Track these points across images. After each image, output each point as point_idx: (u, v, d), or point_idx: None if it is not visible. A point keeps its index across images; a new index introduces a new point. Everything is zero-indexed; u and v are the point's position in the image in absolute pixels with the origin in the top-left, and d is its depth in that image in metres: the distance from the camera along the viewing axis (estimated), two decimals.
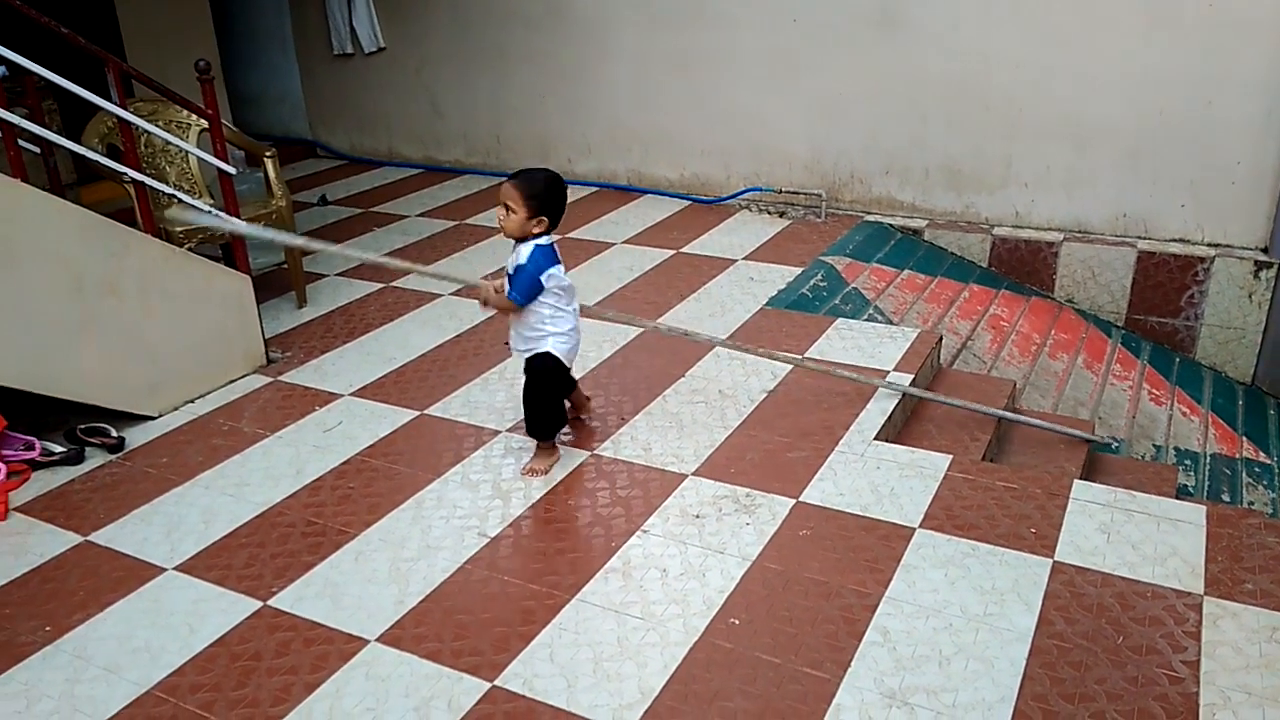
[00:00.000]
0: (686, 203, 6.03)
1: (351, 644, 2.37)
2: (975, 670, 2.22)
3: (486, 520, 2.86)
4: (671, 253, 5.14)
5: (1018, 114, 5.12)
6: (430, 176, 6.84)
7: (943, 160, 5.39)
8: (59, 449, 3.22)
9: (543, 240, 2.86)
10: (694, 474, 3.06)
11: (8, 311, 3.02)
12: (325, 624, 2.44)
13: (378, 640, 2.38)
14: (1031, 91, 5.05)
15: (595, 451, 3.22)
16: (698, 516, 2.84)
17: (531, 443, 3.17)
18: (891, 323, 4.29)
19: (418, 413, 3.51)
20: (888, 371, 3.66)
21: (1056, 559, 2.59)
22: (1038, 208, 5.26)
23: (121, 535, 2.84)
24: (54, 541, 2.83)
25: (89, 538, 2.84)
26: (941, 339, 4.02)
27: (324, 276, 4.91)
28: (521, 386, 3.07)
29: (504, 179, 2.87)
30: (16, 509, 2.99)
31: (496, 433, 3.36)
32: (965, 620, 2.37)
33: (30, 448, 3.20)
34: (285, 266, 4.61)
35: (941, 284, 4.96)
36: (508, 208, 2.81)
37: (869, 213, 5.65)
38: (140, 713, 2.18)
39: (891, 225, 5.52)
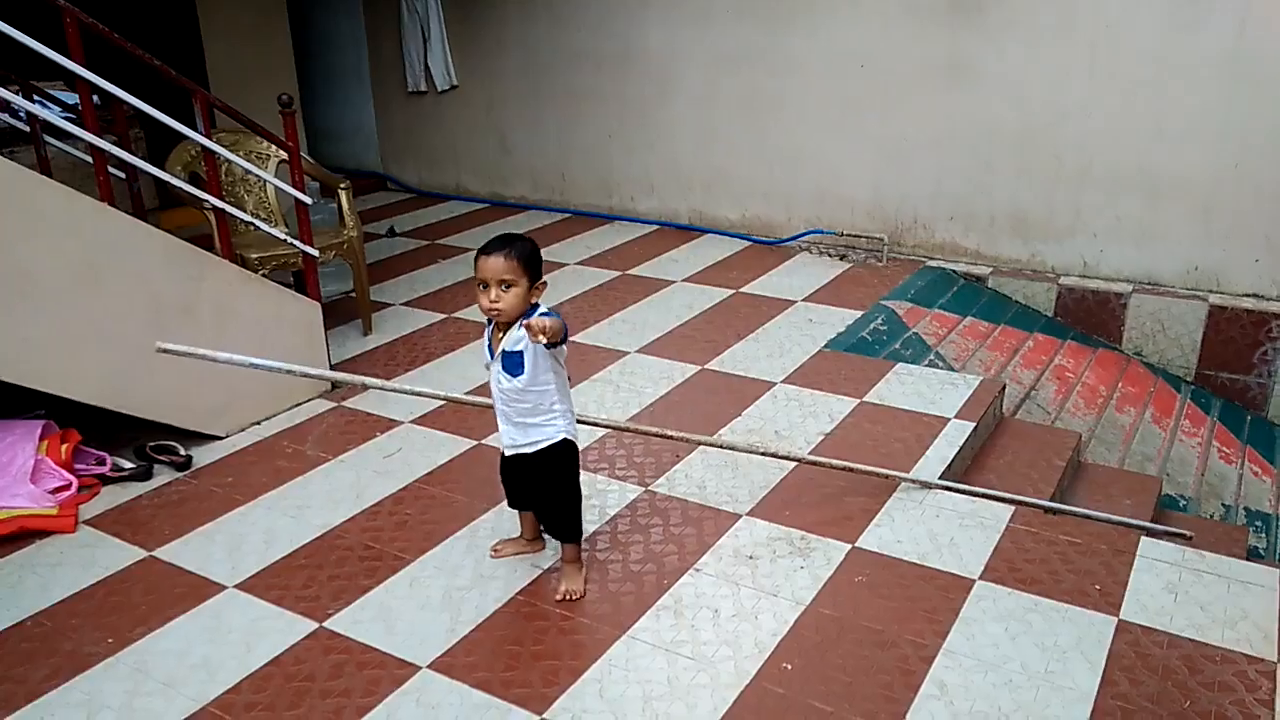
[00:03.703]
0: (747, 243, 6.04)
1: (403, 669, 2.38)
2: None
3: (540, 553, 2.86)
4: (731, 292, 5.15)
5: (1088, 163, 5.06)
6: (495, 211, 6.97)
7: (1009, 207, 5.34)
8: (129, 465, 3.32)
9: (544, 309, 2.45)
10: (748, 514, 3.04)
11: (90, 331, 3.14)
12: (379, 648, 2.46)
13: (429, 667, 2.39)
14: (1103, 141, 4.99)
15: (650, 487, 3.21)
16: (751, 557, 2.82)
17: (550, 554, 2.82)
18: (953, 369, 4.23)
19: (475, 442, 3.55)
20: (949, 418, 3.61)
21: (1122, 617, 2.51)
22: (1106, 258, 5.17)
23: (185, 552, 2.91)
24: (120, 555, 2.91)
25: (154, 553, 2.91)
26: (1005, 387, 3.96)
27: (390, 305, 5.01)
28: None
29: (488, 254, 2.37)
30: (86, 522, 3.08)
31: None
32: (1025, 677, 2.31)
33: (102, 463, 3.30)
34: (353, 295, 4.72)
35: (1005, 332, 4.89)
36: (504, 284, 2.36)
37: (931, 258, 5.60)
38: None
39: (954, 271, 5.46)
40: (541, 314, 2.41)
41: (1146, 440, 4.38)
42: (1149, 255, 5.06)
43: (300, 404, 3.86)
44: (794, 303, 4.97)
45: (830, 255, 5.75)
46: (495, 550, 2.83)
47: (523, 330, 2.38)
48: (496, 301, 2.37)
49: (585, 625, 2.54)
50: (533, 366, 2.46)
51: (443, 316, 4.86)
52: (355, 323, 4.67)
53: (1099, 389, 4.65)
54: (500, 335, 2.47)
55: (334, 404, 3.89)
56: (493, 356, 2.51)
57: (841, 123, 5.66)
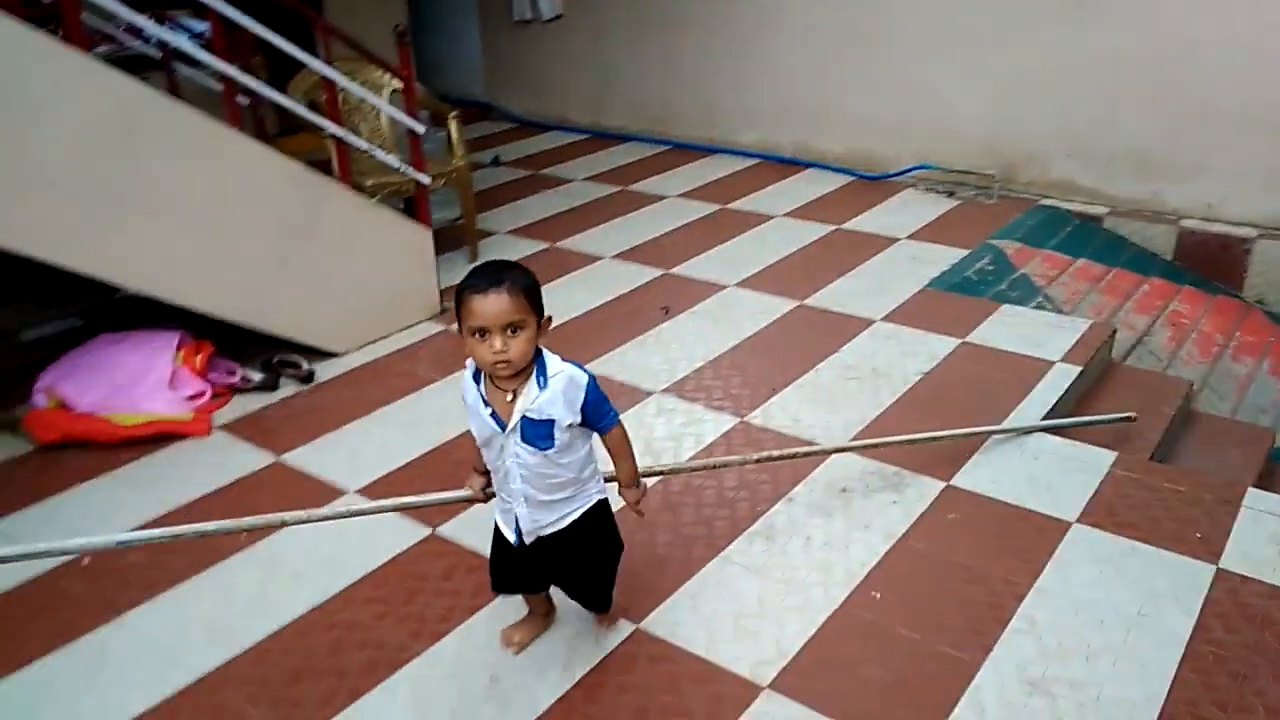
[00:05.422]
0: (851, 178, 5.94)
1: None
2: (1124, 669, 2.17)
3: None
4: (832, 228, 5.10)
5: (1219, 100, 4.79)
6: (597, 142, 7.00)
7: (1131, 146, 5.11)
8: (257, 376, 3.54)
9: (552, 354, 1.98)
10: (850, 442, 3.07)
11: (223, 250, 3.34)
12: (484, 556, 2.61)
13: None
14: (1236, 78, 4.71)
15: (746, 419, 3.28)
16: (844, 490, 2.87)
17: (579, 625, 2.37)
18: (1062, 312, 4.14)
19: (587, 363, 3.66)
20: (1054, 361, 3.55)
21: (1221, 566, 2.48)
22: (1232, 201, 4.92)
23: (309, 458, 3.11)
24: (250, 459, 3.13)
25: (281, 458, 3.12)
26: (1115, 332, 3.86)
27: (494, 234, 5.14)
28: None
29: (484, 292, 1.82)
30: (219, 427, 3.32)
31: (650, 393, 3.47)
32: (1117, 618, 2.32)
33: (232, 374, 3.54)
34: (459, 222, 4.86)
35: (1119, 275, 4.73)
36: (511, 328, 1.82)
37: (1045, 196, 5.43)
38: (322, 618, 2.42)
39: (1068, 211, 5.28)
40: (567, 370, 1.93)
41: (1262, 391, 4.22)
42: (1278, 200, 4.79)
43: (411, 326, 4.03)
44: (897, 240, 4.90)
45: (938, 192, 5.62)
46: (510, 644, 2.29)
47: (550, 391, 1.89)
48: (504, 352, 1.81)
49: (680, 546, 2.64)
50: (567, 436, 1.94)
51: (545, 245, 4.96)
52: (462, 250, 4.81)
53: (1215, 337, 4.48)
54: (506, 394, 1.90)
55: (443, 327, 4.04)
56: (502, 427, 1.91)
57: (957, 54, 5.48)
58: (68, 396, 3.25)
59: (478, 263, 1.95)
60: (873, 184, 5.83)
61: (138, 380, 3.28)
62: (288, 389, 3.55)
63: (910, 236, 4.94)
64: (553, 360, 1.95)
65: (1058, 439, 3.09)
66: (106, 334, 3.46)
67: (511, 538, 2.06)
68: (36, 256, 2.87)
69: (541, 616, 2.33)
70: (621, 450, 2.06)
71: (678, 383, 3.53)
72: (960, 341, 3.76)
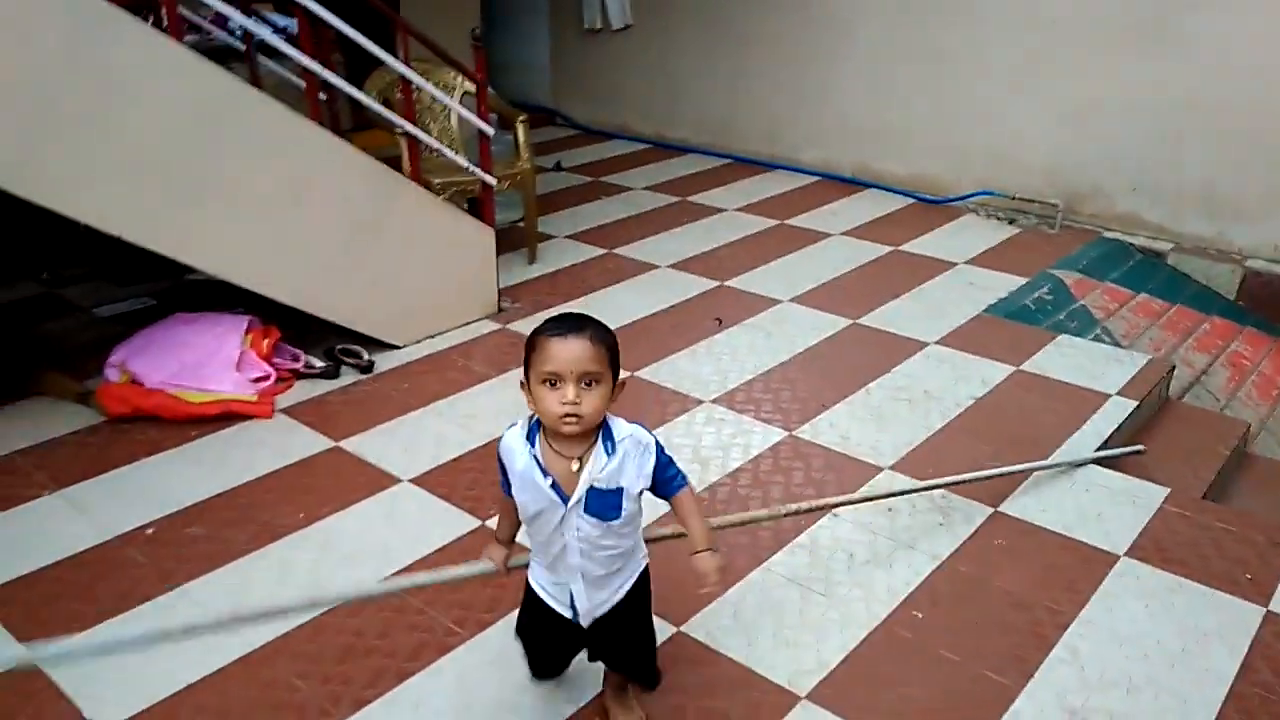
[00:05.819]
0: (911, 200, 5.93)
1: None
2: (1166, 704, 2.16)
3: None
4: (890, 249, 5.10)
5: None
6: (659, 152, 7.06)
7: (1199, 182, 5.04)
8: (319, 364, 3.65)
9: (615, 417, 1.79)
10: (890, 467, 3.09)
11: (295, 239, 3.44)
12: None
13: None
14: None
15: (794, 432, 3.30)
16: (890, 510, 2.88)
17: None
18: (1120, 346, 4.10)
19: (628, 373, 3.72)
20: (1109, 394, 3.52)
21: (1271, 609, 2.45)
22: None
23: (366, 445, 3.20)
24: (310, 443, 3.22)
25: (339, 444, 3.21)
26: (1174, 369, 3.82)
27: (554, 237, 5.22)
28: None
29: (564, 335, 1.67)
30: (281, 410, 3.42)
31: (700, 402, 3.51)
32: (1162, 654, 2.30)
33: (296, 359, 3.65)
34: (520, 224, 4.94)
35: (1180, 312, 4.67)
36: (588, 379, 1.66)
37: (1108, 229, 5.37)
38: (355, 607, 2.48)
39: (1131, 245, 5.22)
40: (635, 431, 1.76)
41: None
42: None
43: (470, 323, 4.11)
44: (955, 265, 4.88)
45: (999, 219, 5.59)
46: None
47: (618, 456, 1.72)
48: (577, 404, 1.64)
49: (722, 553, 2.66)
50: (633, 504, 1.77)
51: (603, 252, 5.03)
52: (521, 251, 4.89)
53: (1275, 380, 4.40)
54: (570, 461, 1.70)
55: (500, 325, 4.12)
56: (564, 500, 1.71)
57: (1025, 81, 5.45)
58: (139, 372, 3.38)
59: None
60: (933, 207, 5.82)
61: (206, 360, 3.40)
62: (348, 377, 3.65)
63: (969, 261, 4.92)
64: (618, 424, 1.76)
65: (1109, 471, 3.06)
66: (179, 314, 3.59)
67: (567, 614, 1.87)
68: (120, 235, 2.99)
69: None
70: (694, 510, 1.81)
71: (728, 393, 3.56)
72: (1015, 369, 3.74)
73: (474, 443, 3.20)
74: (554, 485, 1.71)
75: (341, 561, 2.63)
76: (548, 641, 1.97)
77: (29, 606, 2.45)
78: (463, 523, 2.79)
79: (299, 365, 3.63)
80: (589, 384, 1.66)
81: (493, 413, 3.39)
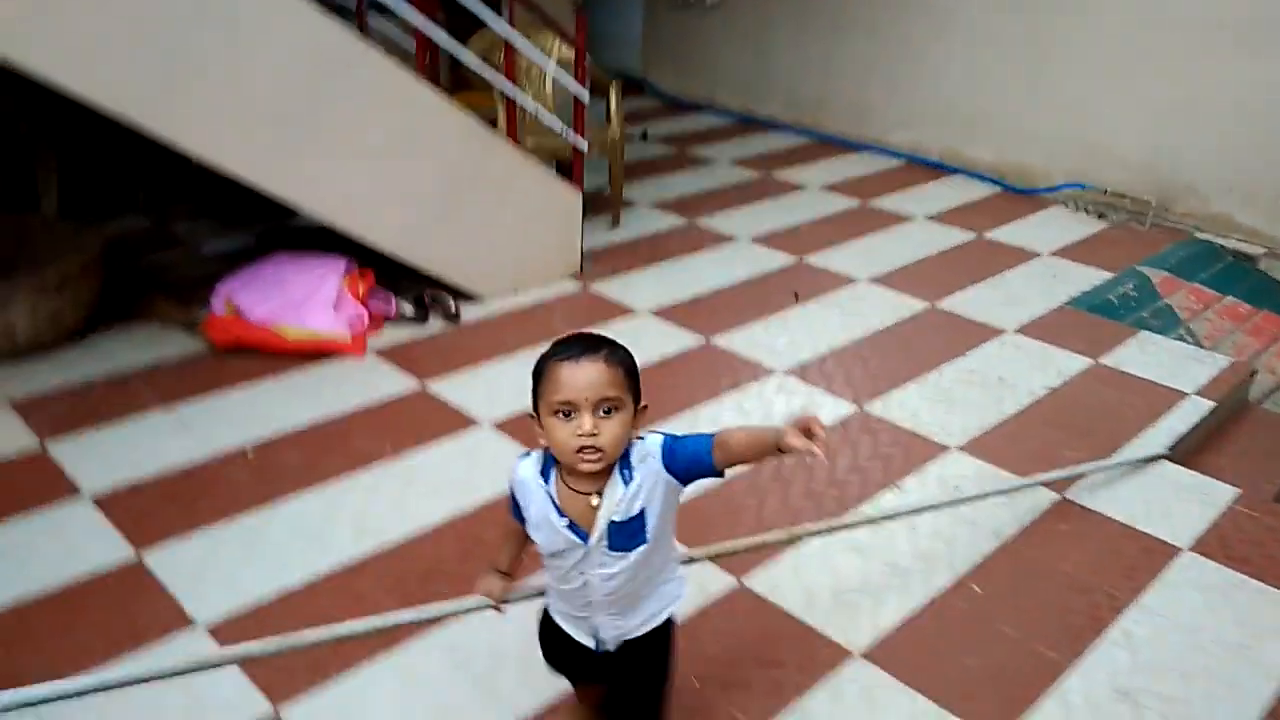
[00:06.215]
0: (998, 188, 5.87)
1: None
2: (1218, 692, 2.19)
3: None
4: (973, 235, 5.08)
5: None
6: (745, 127, 7.08)
7: None
8: (410, 309, 3.81)
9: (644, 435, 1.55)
10: (959, 448, 3.13)
11: (396, 189, 3.60)
12: None
13: None
14: None
15: (864, 408, 3.35)
16: (956, 488, 2.92)
17: None
18: (1201, 346, 4.04)
19: (704, 339, 3.80)
20: (1187, 393, 3.49)
21: None
22: None
23: (450, 389, 3.35)
24: (398, 383, 3.39)
25: (425, 385, 3.37)
26: (1255, 374, 3.76)
27: (637, 205, 5.31)
28: None
29: (576, 359, 1.47)
30: (373, 351, 3.59)
31: (772, 372, 3.58)
32: (1218, 645, 2.32)
33: (389, 303, 3.81)
34: (606, 191, 5.04)
35: (1267, 318, 4.57)
36: (607, 406, 1.45)
37: (1200, 229, 5.25)
38: (453, 529, 2.64)
39: (1223, 247, 5.11)
40: (660, 436, 1.54)
41: None
42: None
43: (552, 282, 4.23)
44: (1039, 255, 4.84)
45: (1088, 212, 5.51)
46: None
47: (636, 480, 1.49)
48: (594, 435, 1.43)
49: (787, 516, 2.76)
50: (661, 514, 1.53)
51: (684, 221, 5.10)
52: (605, 216, 4.99)
53: None
54: (589, 497, 1.49)
55: (580, 286, 4.24)
56: (583, 538, 1.51)
57: (1125, 74, 5.34)
58: (243, 306, 3.57)
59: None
60: (1020, 197, 5.75)
61: (306, 298, 3.58)
62: (435, 324, 3.80)
63: (1054, 253, 4.88)
64: (636, 447, 1.51)
65: (1180, 467, 3.06)
66: (283, 252, 3.78)
67: (588, 643, 1.65)
68: (236, 174, 3.17)
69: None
70: (740, 429, 1.50)
71: (801, 366, 3.63)
72: (1092, 362, 3.73)
73: None
74: (571, 525, 1.50)
75: (425, 493, 2.78)
76: (575, 669, 1.77)
77: (137, 513, 2.65)
78: None
79: (390, 309, 3.79)
80: (607, 412, 1.44)
81: None
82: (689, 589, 1.74)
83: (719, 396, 3.39)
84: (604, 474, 1.49)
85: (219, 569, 2.47)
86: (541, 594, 1.74)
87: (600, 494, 1.49)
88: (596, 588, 1.56)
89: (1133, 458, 3.06)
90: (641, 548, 1.52)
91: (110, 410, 3.11)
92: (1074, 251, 4.91)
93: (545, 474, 1.54)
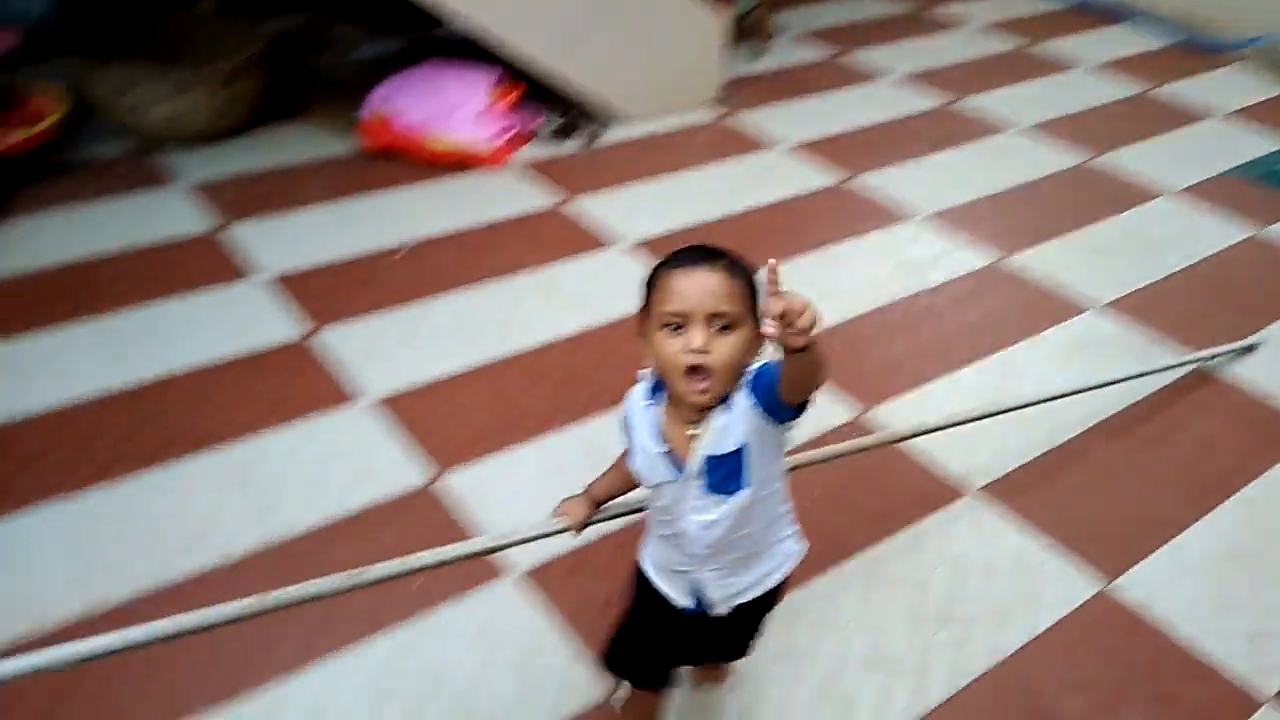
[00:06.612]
0: (1177, 39, 5.41)
1: None
2: None
3: (885, 288, 3.10)
4: (1142, 89, 4.74)
5: None
6: None
7: None
8: (553, 126, 3.86)
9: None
10: (1100, 309, 3.06)
11: (547, 9, 3.57)
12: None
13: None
14: None
15: (1004, 260, 3.29)
16: (1088, 346, 2.89)
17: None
18: None
19: (847, 176, 3.75)
20: None
21: None
22: None
23: (589, 207, 3.43)
24: (538, 198, 3.48)
25: (566, 202, 3.46)
26: None
27: (784, 32, 5.11)
28: None
29: (690, 266, 1.26)
30: (516, 165, 3.67)
31: (911, 216, 3.52)
32: None
33: (534, 119, 3.86)
34: (752, 17, 4.86)
35: None
36: (722, 321, 1.24)
37: None
38: (590, 339, 2.77)
39: None
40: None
41: None
42: None
43: (692, 110, 4.19)
44: (1213, 116, 4.51)
45: (1276, 71, 5.05)
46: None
47: (735, 407, 1.28)
48: (704, 352, 1.24)
49: (915, 358, 2.79)
50: (761, 458, 1.33)
51: (833, 53, 4.91)
52: (751, 43, 4.84)
53: None
54: (691, 426, 1.32)
55: (719, 114, 4.18)
56: (677, 469, 1.34)
57: None
58: (396, 111, 3.68)
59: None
60: (1201, 51, 5.30)
61: (456, 107, 3.66)
62: (575, 144, 3.85)
63: (1230, 114, 4.53)
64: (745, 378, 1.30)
65: None
66: (435, 59, 3.84)
67: (687, 603, 1.47)
68: None
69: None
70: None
71: (941, 212, 3.56)
72: (1255, 233, 3.54)
73: (689, 220, 3.37)
74: (669, 454, 1.33)
75: (563, 305, 2.92)
76: (656, 643, 1.56)
77: (308, 295, 2.87)
78: None
79: (536, 125, 3.85)
80: (723, 329, 1.24)
81: (705, 194, 3.54)
82: None
83: (853, 239, 3.37)
84: (712, 403, 1.29)
85: (381, 353, 2.67)
86: (628, 513, 1.60)
87: (701, 424, 1.31)
88: (695, 538, 1.37)
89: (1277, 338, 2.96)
90: (741, 494, 1.32)
91: (280, 200, 3.31)
92: (1254, 114, 4.55)
93: (653, 394, 1.36)
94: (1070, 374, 2.75)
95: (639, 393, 1.39)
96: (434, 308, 2.86)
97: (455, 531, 2.12)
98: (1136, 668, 1.94)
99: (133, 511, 2.14)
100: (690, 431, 1.31)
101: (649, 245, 3.22)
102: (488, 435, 2.39)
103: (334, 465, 2.28)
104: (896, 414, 2.56)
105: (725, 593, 1.43)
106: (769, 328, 1.11)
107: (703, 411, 1.29)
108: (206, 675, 1.81)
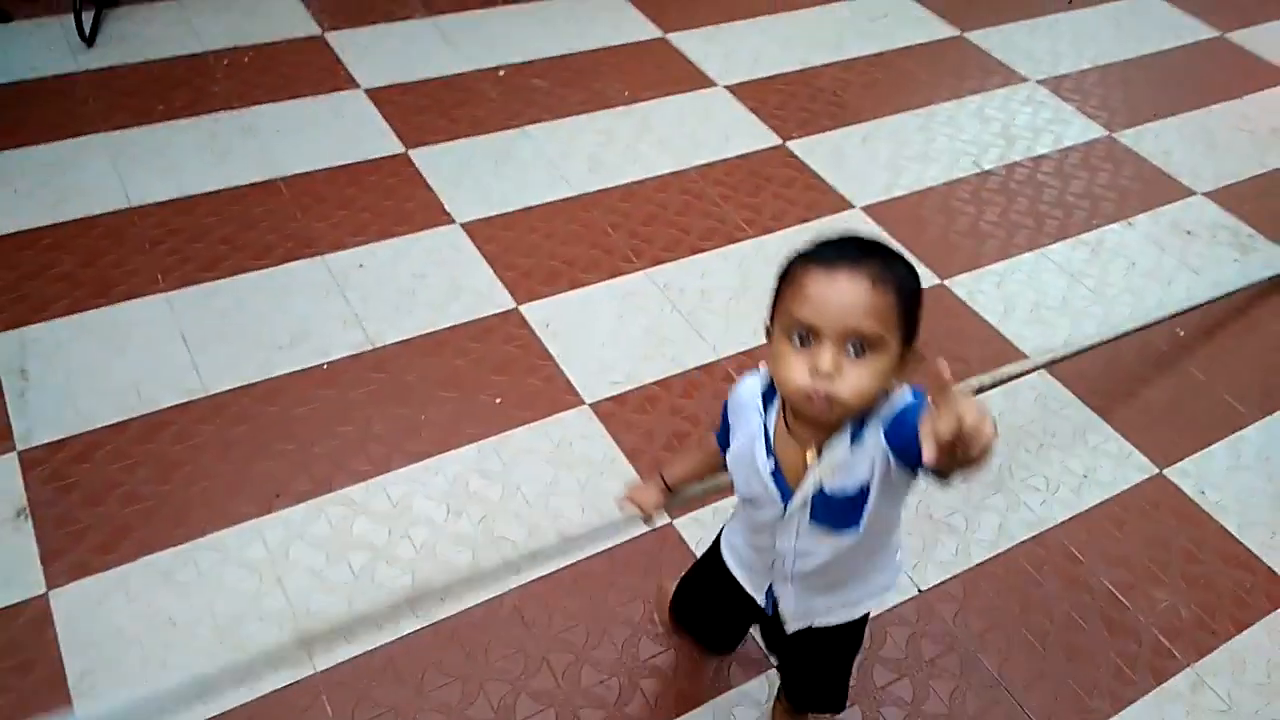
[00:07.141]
0: None
1: (840, 206, 2.77)
2: None
3: (985, 154, 3.02)
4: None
5: None
6: None
7: None
8: None
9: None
10: (1204, 194, 2.96)
11: None
12: (826, 180, 2.85)
13: (861, 208, 2.76)
14: None
15: (1114, 135, 3.17)
16: (1189, 233, 2.81)
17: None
18: None
19: (958, 32, 3.58)
20: None
21: None
22: None
23: (690, 43, 3.36)
24: (640, 27, 3.41)
25: (666, 35, 3.39)
26: None
27: None
28: None
29: (832, 268, 1.00)
30: None
31: (1025, 80, 3.38)
32: None
33: None
34: None
35: None
36: (861, 343, 0.99)
37: None
38: (677, 182, 2.78)
39: None
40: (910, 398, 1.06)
41: None
42: None
43: None
44: None
45: None
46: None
47: (865, 445, 1.06)
48: (830, 377, 0.99)
49: (1004, 229, 2.75)
50: (882, 503, 1.10)
51: None
52: None
53: None
54: (807, 443, 1.10)
55: None
56: (786, 496, 1.15)
57: None
58: None
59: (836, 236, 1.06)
60: None
61: None
62: None
63: None
64: (890, 401, 1.06)
65: None
66: None
67: (757, 598, 1.34)
68: None
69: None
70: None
71: (1057, 77, 3.40)
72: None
73: (788, 66, 3.29)
74: (776, 473, 1.14)
75: (656, 143, 2.91)
76: (722, 611, 1.46)
77: (405, 111, 2.92)
78: (764, 138, 2.98)
79: None
80: (860, 351, 1.00)
81: (811, 40, 3.43)
82: None
83: (961, 99, 3.26)
84: (836, 423, 1.08)
85: (473, 174, 2.73)
86: (706, 500, 1.44)
87: (820, 448, 1.09)
88: (785, 560, 1.23)
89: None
90: (851, 534, 1.14)
91: (380, 13, 3.31)
92: None
93: (768, 399, 1.16)
94: (1167, 257, 2.70)
95: (752, 387, 1.19)
96: (526, 136, 2.88)
97: (538, 355, 2.22)
98: (1178, 550, 2.00)
99: (235, 308, 2.28)
100: (807, 452, 1.10)
101: (745, 90, 3.16)
102: (569, 270, 2.46)
103: (427, 280, 2.39)
104: (979, 286, 2.56)
105: (798, 609, 1.30)
106: (928, 451, 0.85)
107: (824, 429, 1.08)
108: (310, 466, 1.98)
